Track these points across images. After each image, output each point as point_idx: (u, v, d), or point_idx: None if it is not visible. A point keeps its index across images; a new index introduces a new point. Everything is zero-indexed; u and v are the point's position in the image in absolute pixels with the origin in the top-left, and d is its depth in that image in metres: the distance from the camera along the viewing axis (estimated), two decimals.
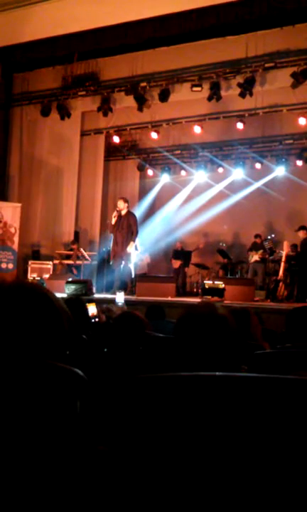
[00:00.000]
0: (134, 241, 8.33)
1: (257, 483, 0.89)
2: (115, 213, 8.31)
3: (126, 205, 8.36)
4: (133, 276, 8.65)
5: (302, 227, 8.65)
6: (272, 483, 0.89)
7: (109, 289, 9.00)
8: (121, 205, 8.28)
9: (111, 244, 8.58)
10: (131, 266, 8.56)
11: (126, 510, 0.93)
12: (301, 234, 8.60)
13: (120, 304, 6.53)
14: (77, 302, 3.19)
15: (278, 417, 0.91)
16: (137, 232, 8.41)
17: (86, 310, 3.23)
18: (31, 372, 0.92)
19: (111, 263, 8.86)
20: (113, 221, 8.28)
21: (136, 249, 8.51)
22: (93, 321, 3.98)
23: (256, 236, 10.08)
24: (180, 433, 0.92)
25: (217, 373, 0.97)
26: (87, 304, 3.54)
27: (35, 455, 0.87)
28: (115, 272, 8.67)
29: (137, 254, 9.18)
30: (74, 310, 3.16)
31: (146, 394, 0.96)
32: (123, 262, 8.37)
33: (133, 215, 8.50)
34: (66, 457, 0.89)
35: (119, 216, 8.25)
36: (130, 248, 8.27)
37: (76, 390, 0.92)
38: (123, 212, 8.29)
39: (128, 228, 8.24)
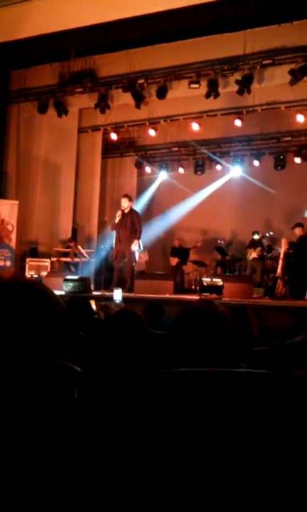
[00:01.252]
0: (139, 239, 8.30)
1: (257, 479, 0.89)
2: (119, 212, 8.28)
3: (130, 203, 8.36)
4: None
5: (298, 225, 8.67)
6: (272, 479, 0.89)
7: (108, 286, 9.00)
8: (126, 203, 8.27)
9: (114, 242, 8.56)
10: (134, 264, 8.54)
11: (127, 509, 0.92)
12: (297, 231, 8.62)
13: (118, 301, 6.53)
14: (82, 301, 3.19)
15: (277, 412, 0.91)
16: (141, 230, 8.39)
17: (91, 309, 3.23)
18: (28, 369, 0.92)
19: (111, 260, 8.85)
20: (117, 219, 8.26)
21: (139, 247, 8.50)
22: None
23: (254, 233, 10.09)
24: (180, 429, 0.92)
25: (217, 369, 0.97)
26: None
27: (33, 453, 0.87)
28: (114, 270, 8.66)
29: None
30: (79, 308, 3.16)
31: (146, 390, 0.96)
32: (124, 260, 8.36)
33: (137, 213, 8.51)
34: (65, 453, 0.88)
35: (123, 214, 8.24)
36: (135, 246, 8.23)
37: (73, 385, 0.91)
38: (126, 211, 8.28)
39: (131, 226, 8.23)
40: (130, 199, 8.44)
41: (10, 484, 0.85)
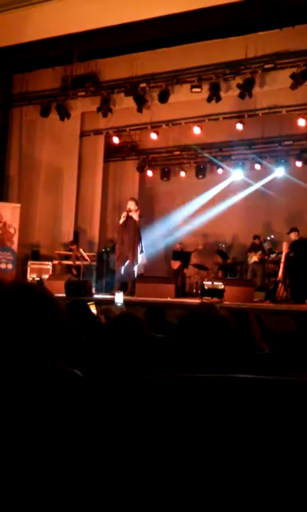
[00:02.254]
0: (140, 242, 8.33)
1: (257, 484, 0.89)
2: (124, 213, 8.29)
3: (136, 206, 8.38)
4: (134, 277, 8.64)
5: (293, 229, 8.67)
6: (272, 484, 0.89)
7: (109, 289, 8.99)
8: (133, 206, 8.28)
9: (117, 244, 8.55)
10: (136, 267, 8.54)
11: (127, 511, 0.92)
12: (293, 236, 8.62)
13: (119, 304, 6.53)
14: (83, 304, 3.19)
15: (279, 418, 0.91)
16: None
17: (92, 312, 3.23)
18: (29, 372, 0.92)
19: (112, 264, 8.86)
20: (121, 220, 8.27)
21: (141, 251, 8.49)
22: None
23: (255, 237, 10.08)
24: (181, 434, 0.92)
25: (218, 375, 0.97)
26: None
27: (35, 456, 0.87)
28: (116, 273, 8.66)
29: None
30: (79, 312, 3.15)
31: (148, 395, 0.96)
32: (126, 263, 8.35)
33: (141, 216, 8.51)
34: (66, 457, 0.88)
35: (127, 216, 8.25)
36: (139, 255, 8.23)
37: (74, 389, 0.91)
38: (131, 213, 8.28)
39: (134, 229, 8.24)
40: (136, 203, 8.46)
41: (11, 487, 0.86)
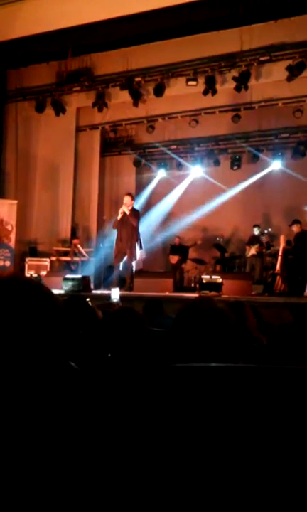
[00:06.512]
0: (138, 239, 8.32)
1: (258, 477, 0.89)
2: (122, 209, 8.25)
3: (133, 202, 8.35)
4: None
5: (295, 221, 8.66)
6: (273, 476, 0.89)
7: (107, 285, 8.98)
8: (129, 201, 8.24)
9: (115, 241, 8.52)
10: (134, 263, 8.52)
11: (128, 508, 0.92)
12: (295, 228, 8.61)
13: (115, 300, 6.52)
14: (80, 299, 3.18)
15: (278, 407, 0.91)
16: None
17: (89, 307, 3.22)
18: (26, 366, 0.92)
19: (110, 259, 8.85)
20: (119, 217, 8.23)
21: (140, 247, 8.47)
22: None
23: (255, 227, 10.04)
24: (180, 425, 0.92)
25: (216, 364, 0.97)
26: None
27: (31, 452, 0.87)
28: (114, 268, 8.64)
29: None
30: (77, 307, 3.15)
31: (147, 386, 0.96)
32: (125, 259, 8.33)
33: (138, 212, 8.49)
34: (62, 452, 0.89)
35: (124, 212, 8.22)
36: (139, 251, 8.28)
37: (71, 383, 0.91)
38: (128, 209, 8.26)
39: (132, 225, 8.22)
40: (133, 198, 8.43)
41: (10, 483, 0.86)
